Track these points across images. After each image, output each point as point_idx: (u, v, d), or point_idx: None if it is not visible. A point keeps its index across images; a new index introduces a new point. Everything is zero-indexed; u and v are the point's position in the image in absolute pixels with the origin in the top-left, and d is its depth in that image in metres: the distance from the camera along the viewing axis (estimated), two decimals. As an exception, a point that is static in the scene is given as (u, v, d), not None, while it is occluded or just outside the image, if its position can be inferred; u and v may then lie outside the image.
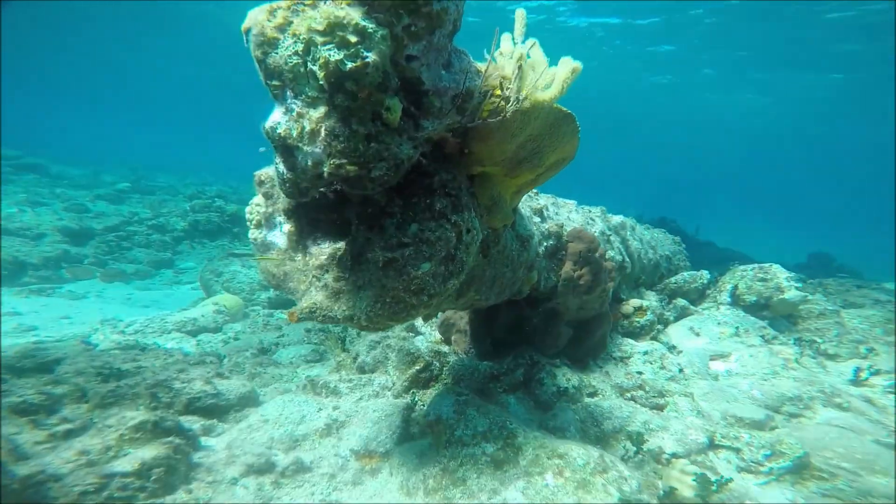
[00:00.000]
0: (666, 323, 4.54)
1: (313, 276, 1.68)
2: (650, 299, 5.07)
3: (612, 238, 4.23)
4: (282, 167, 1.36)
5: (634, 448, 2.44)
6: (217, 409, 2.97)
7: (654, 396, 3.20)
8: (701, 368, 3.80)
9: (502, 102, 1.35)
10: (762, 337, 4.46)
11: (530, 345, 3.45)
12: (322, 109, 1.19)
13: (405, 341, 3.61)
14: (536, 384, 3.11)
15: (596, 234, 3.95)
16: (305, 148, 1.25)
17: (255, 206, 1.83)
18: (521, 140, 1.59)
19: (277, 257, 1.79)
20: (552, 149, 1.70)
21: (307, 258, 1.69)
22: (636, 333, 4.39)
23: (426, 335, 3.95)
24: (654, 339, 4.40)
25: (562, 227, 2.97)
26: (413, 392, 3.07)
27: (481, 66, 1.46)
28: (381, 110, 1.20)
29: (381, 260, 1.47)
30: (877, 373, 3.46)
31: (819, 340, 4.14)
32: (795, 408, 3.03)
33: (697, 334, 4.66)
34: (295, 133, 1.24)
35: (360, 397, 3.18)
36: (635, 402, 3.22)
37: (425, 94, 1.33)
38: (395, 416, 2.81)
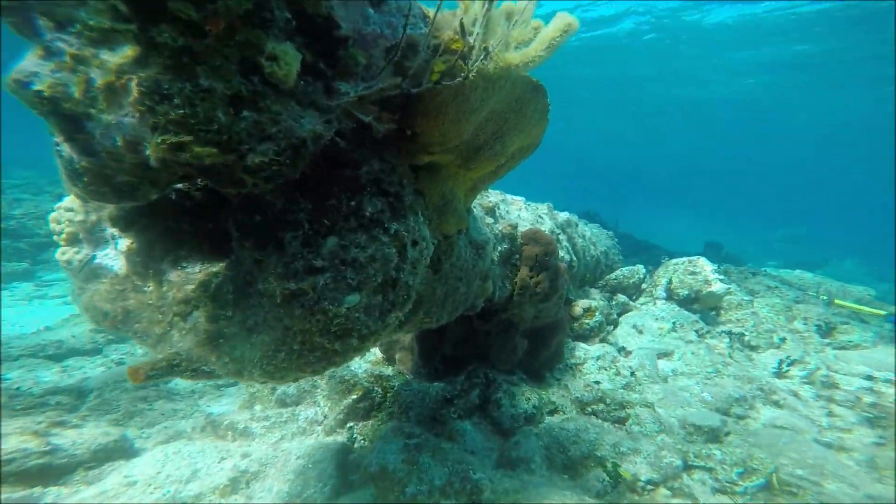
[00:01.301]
0: (614, 323, 4.45)
1: (175, 315, 1.05)
2: (596, 298, 4.97)
3: (560, 237, 3.98)
4: (67, 150, 0.72)
5: (611, 480, 2.13)
6: (51, 472, 2.11)
7: (615, 409, 2.96)
8: (651, 371, 3.71)
9: (460, 62, 0.85)
10: (696, 332, 4.56)
11: (483, 360, 3.04)
12: (128, 51, 0.59)
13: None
14: (494, 406, 2.70)
15: (546, 233, 3.66)
16: (105, 117, 0.64)
17: (65, 213, 1.12)
18: (480, 118, 1.11)
19: (110, 288, 1.11)
20: (517, 131, 1.25)
21: (164, 288, 1.05)
22: (586, 336, 4.22)
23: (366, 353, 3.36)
24: (604, 340, 4.26)
25: (515, 227, 2.57)
26: (350, 426, 2.48)
27: (431, 11, 0.95)
28: (258, 59, 0.64)
29: (278, 293, 0.90)
30: (792, 363, 3.61)
31: (745, 333, 4.31)
32: (742, 409, 3.00)
33: (641, 332, 4.64)
34: (76, 92, 0.62)
35: (281, 438, 2.52)
36: (596, 416, 2.97)
37: (342, 44, 0.79)
38: (328, 461, 2.21)
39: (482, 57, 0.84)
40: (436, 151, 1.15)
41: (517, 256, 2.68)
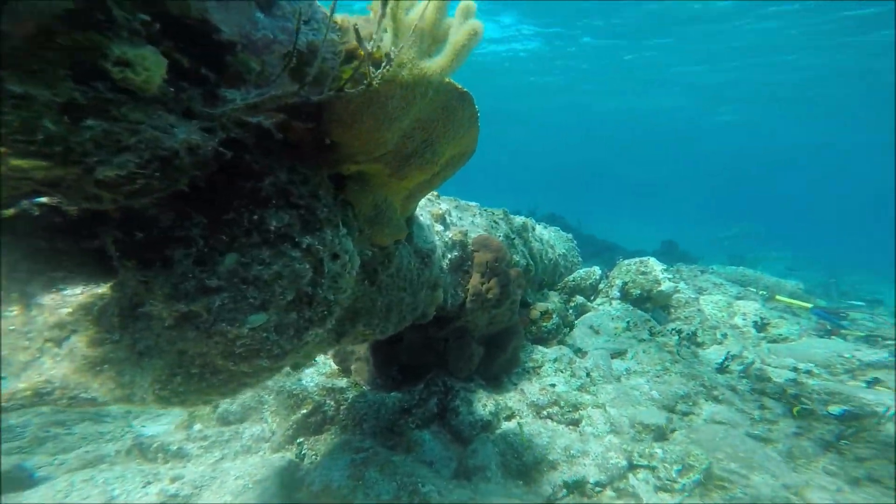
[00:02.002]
0: (571, 325, 4.55)
1: (46, 341, 0.95)
2: (554, 300, 5.07)
3: (515, 241, 4.03)
4: None
5: (564, 490, 2.16)
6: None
7: (568, 411, 3.02)
8: (605, 371, 3.82)
9: (369, 69, 0.82)
10: (649, 330, 4.75)
11: (443, 367, 3.01)
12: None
13: (288, 378, 2.84)
14: (452, 414, 2.68)
15: (500, 239, 3.68)
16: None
17: None
18: (405, 126, 1.08)
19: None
20: (448, 140, 1.22)
21: (32, 312, 0.94)
22: (545, 338, 4.29)
23: (320, 364, 3.22)
24: (562, 342, 4.35)
25: (466, 234, 2.56)
26: (300, 442, 2.37)
27: (340, 18, 0.90)
28: (103, 64, 0.57)
29: (167, 316, 0.82)
30: (732, 358, 3.83)
31: (693, 330, 4.53)
32: (686, 406, 3.14)
33: (597, 332, 4.78)
34: None
35: (221, 458, 2.36)
36: (552, 419, 3.01)
37: (228, 49, 0.72)
38: (271, 480, 2.09)
39: (385, 64, 0.80)
40: (361, 161, 1.10)
41: (469, 263, 2.67)
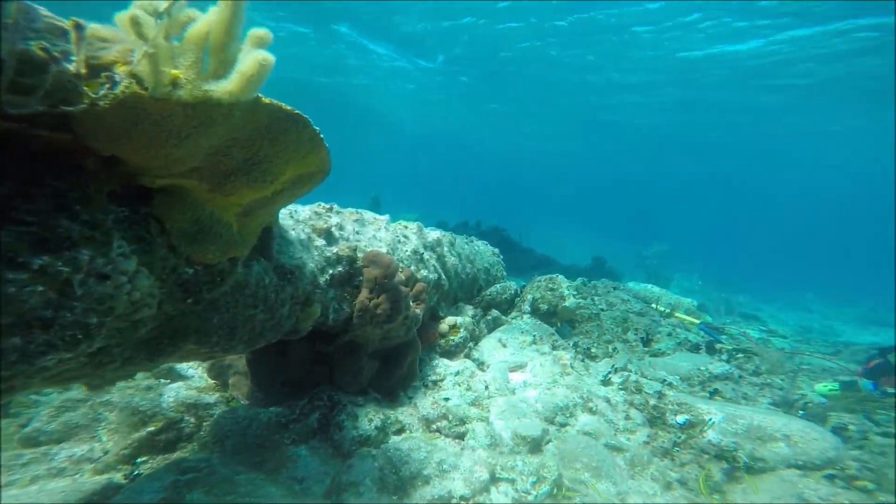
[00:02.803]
0: (477, 339, 4.72)
1: None
2: (467, 314, 5.23)
3: (426, 256, 4.12)
4: None
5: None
6: None
7: (456, 425, 3.13)
8: (502, 384, 4.01)
9: (134, 86, 0.81)
10: (552, 344, 5.08)
11: (331, 382, 2.98)
12: None
13: (148, 392, 2.60)
14: (336, 428, 2.65)
15: (408, 254, 3.75)
16: None
17: None
18: (211, 144, 1.07)
19: None
20: (283, 160, 1.24)
21: None
22: (452, 352, 4.41)
23: (194, 378, 3.02)
24: (468, 355, 4.50)
25: (355, 250, 2.58)
26: (139, 462, 2.17)
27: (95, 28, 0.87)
28: None
29: None
30: (616, 371, 4.22)
31: (587, 344, 4.92)
32: (564, 417, 3.38)
33: (504, 345, 5.01)
34: None
35: (5, 485, 2.05)
36: (440, 433, 3.10)
37: None
38: None
39: (126, 84, 0.80)
40: (161, 175, 1.08)
41: (359, 278, 2.69)
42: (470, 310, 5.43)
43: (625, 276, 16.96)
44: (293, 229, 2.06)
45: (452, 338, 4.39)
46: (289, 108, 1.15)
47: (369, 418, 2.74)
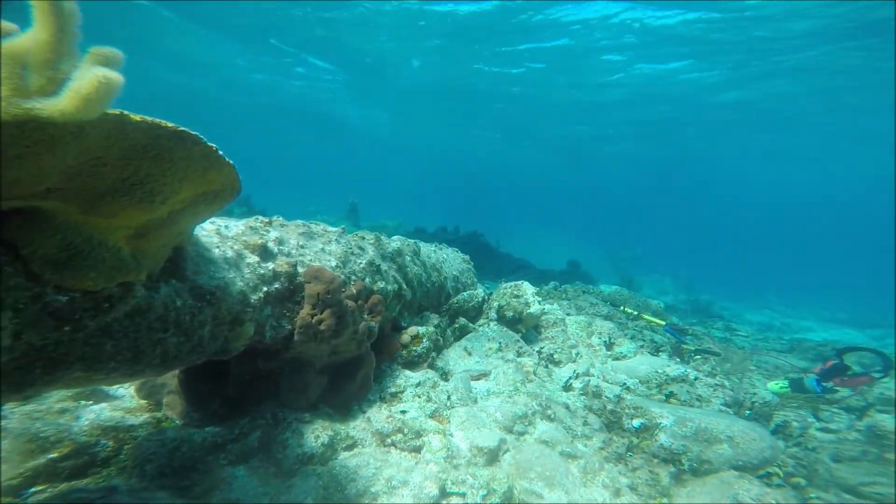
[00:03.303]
0: (441, 349, 4.67)
1: None
2: (433, 323, 5.19)
3: (383, 267, 4.06)
4: None
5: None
6: None
7: (412, 438, 3.06)
8: (464, 393, 3.97)
9: None
10: (517, 351, 5.09)
11: (277, 399, 2.87)
12: None
13: (61, 415, 2.39)
14: (279, 447, 2.54)
15: (362, 266, 3.69)
16: None
17: None
18: (60, 164, 0.98)
19: None
20: (175, 179, 1.18)
21: None
22: (414, 362, 4.35)
23: (125, 398, 2.84)
24: (431, 365, 4.45)
25: (295, 265, 2.51)
26: (32, 492, 1.98)
27: None
28: None
29: None
30: (577, 377, 4.25)
31: (550, 350, 4.94)
32: (523, 426, 3.37)
33: (470, 354, 4.98)
34: None
35: None
36: (395, 447, 3.03)
37: None
38: None
39: None
40: (8, 197, 0.99)
41: (302, 295, 2.61)
42: (435, 319, 5.39)
43: (600, 280, 17.29)
44: (217, 247, 1.98)
45: (415, 348, 4.33)
46: (171, 125, 1.09)
47: (316, 435, 2.65)
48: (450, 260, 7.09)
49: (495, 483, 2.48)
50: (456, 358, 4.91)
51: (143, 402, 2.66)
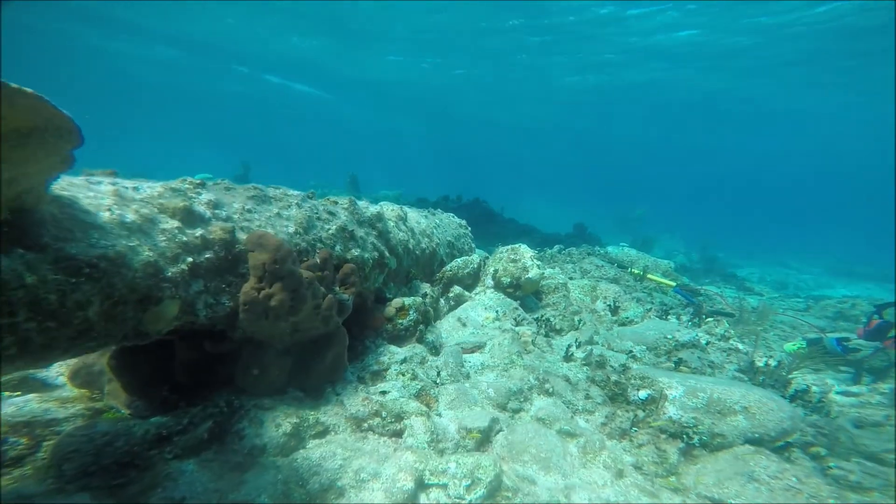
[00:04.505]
0: (428, 320, 4.32)
1: None
2: (425, 292, 4.83)
3: (359, 233, 3.64)
4: None
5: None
6: None
7: (391, 422, 2.76)
8: (455, 369, 3.65)
9: None
10: (515, 319, 4.73)
11: (234, 386, 2.56)
12: None
13: None
14: (235, 437, 2.24)
15: (331, 232, 3.28)
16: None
17: None
18: None
19: None
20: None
21: None
22: (401, 337, 4.01)
23: (63, 388, 2.54)
24: (421, 339, 4.12)
25: (231, 231, 2.11)
26: None
27: None
28: None
29: None
30: (579, 346, 3.88)
31: (551, 317, 4.57)
32: (517, 402, 3.05)
33: (464, 325, 4.64)
34: None
35: None
36: (373, 432, 2.74)
37: None
38: None
39: None
40: None
41: (247, 266, 2.23)
42: (426, 288, 5.02)
43: (608, 242, 16.78)
44: (109, 210, 1.57)
45: (401, 321, 3.99)
46: None
47: (277, 423, 2.34)
48: (443, 225, 6.61)
49: (480, 471, 2.17)
50: (449, 329, 4.59)
51: (81, 391, 2.36)
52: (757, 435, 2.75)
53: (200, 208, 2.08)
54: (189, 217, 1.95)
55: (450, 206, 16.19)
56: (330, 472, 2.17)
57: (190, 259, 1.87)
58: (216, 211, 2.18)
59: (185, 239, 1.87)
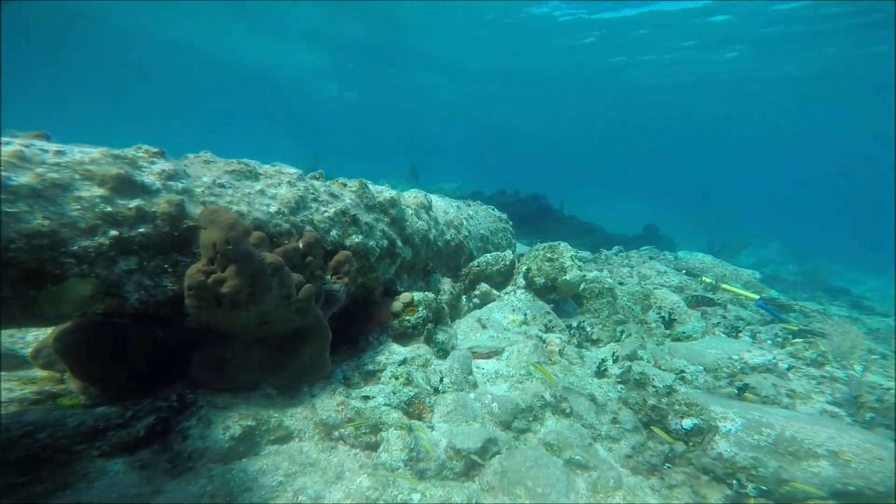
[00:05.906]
0: (441, 320, 3.88)
1: None
2: (442, 288, 4.42)
3: (365, 219, 3.32)
4: None
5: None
6: None
7: (365, 433, 2.39)
8: (461, 376, 3.19)
9: None
10: (545, 325, 4.14)
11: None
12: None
13: None
14: (179, 438, 2.02)
15: (328, 215, 2.99)
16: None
17: None
18: None
19: None
20: None
21: None
22: (408, 335, 3.64)
23: (34, 369, 2.53)
24: (428, 339, 3.71)
25: (179, 205, 1.87)
26: None
27: None
28: None
29: None
30: (617, 360, 3.19)
31: (587, 326, 3.89)
32: (525, 422, 2.52)
33: (484, 326, 4.15)
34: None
35: None
36: (344, 442, 2.39)
37: None
38: None
39: None
40: None
41: (197, 245, 1.99)
42: (447, 283, 4.59)
43: (678, 246, 14.97)
44: (44, 174, 1.38)
45: (408, 318, 3.61)
46: None
47: (226, 425, 2.08)
48: (477, 217, 6.09)
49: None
50: (466, 331, 4.12)
51: (45, 372, 2.31)
52: (851, 489, 1.93)
53: (148, 178, 1.87)
54: (124, 186, 1.74)
55: (505, 201, 15.46)
56: (265, 491, 1.85)
57: (114, 232, 1.65)
58: (169, 182, 1.97)
59: (109, 209, 1.65)
